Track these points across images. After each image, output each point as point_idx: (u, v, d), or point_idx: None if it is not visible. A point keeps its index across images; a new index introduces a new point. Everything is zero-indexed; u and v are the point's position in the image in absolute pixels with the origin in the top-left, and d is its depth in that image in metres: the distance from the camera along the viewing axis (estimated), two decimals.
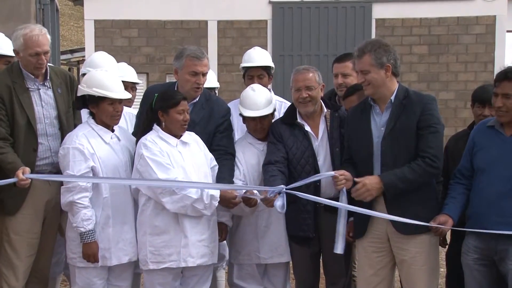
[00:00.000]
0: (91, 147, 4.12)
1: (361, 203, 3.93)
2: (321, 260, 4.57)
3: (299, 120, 4.40)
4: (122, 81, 4.44)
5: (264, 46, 11.31)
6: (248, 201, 4.22)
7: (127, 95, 4.32)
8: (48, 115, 4.37)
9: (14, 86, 4.27)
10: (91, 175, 4.10)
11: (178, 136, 4.20)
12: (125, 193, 4.24)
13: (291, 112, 4.48)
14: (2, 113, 4.21)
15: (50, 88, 4.42)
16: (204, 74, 4.42)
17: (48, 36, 4.33)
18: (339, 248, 4.03)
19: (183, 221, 4.11)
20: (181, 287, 4.29)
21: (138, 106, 4.69)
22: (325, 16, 12.64)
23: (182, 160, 4.14)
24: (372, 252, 4.05)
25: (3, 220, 4.33)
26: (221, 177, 4.31)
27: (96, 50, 11.46)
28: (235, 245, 4.60)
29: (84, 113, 4.38)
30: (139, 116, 4.60)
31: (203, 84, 4.44)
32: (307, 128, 4.38)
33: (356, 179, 3.89)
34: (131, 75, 5.48)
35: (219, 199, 4.12)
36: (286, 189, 3.97)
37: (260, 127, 4.51)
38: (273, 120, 4.57)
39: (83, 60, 16.71)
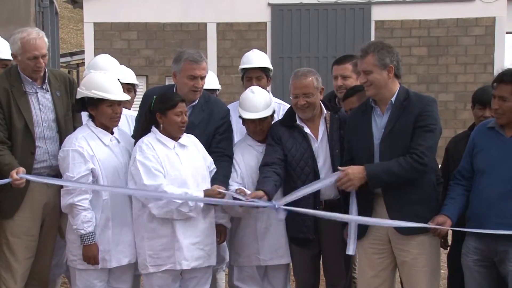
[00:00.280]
0: (91, 149, 4.12)
1: (361, 207, 3.93)
2: (321, 261, 4.56)
3: (298, 122, 4.40)
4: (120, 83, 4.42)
5: (264, 48, 11.33)
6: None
7: (126, 97, 4.31)
8: (46, 118, 4.37)
9: (12, 90, 4.27)
10: (91, 177, 4.10)
11: (176, 138, 4.19)
12: (124, 195, 4.22)
13: (290, 114, 4.47)
14: (0, 117, 4.21)
15: (48, 91, 4.41)
16: (203, 78, 4.41)
17: (46, 39, 4.34)
18: (351, 250, 4.04)
19: (175, 224, 4.11)
20: None
21: (138, 109, 4.69)
22: (324, 18, 12.64)
23: (179, 162, 4.13)
24: (373, 253, 4.05)
25: (0, 223, 4.33)
26: (214, 178, 4.30)
27: (95, 53, 11.50)
28: (235, 247, 4.60)
29: (84, 115, 4.37)
30: (138, 119, 4.59)
31: (201, 87, 4.43)
32: (307, 130, 4.37)
33: (339, 167, 3.90)
34: (128, 76, 5.47)
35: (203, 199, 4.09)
36: (279, 205, 3.95)
37: (260, 129, 4.51)
38: (272, 122, 4.56)
39: (83, 62, 16.74)
